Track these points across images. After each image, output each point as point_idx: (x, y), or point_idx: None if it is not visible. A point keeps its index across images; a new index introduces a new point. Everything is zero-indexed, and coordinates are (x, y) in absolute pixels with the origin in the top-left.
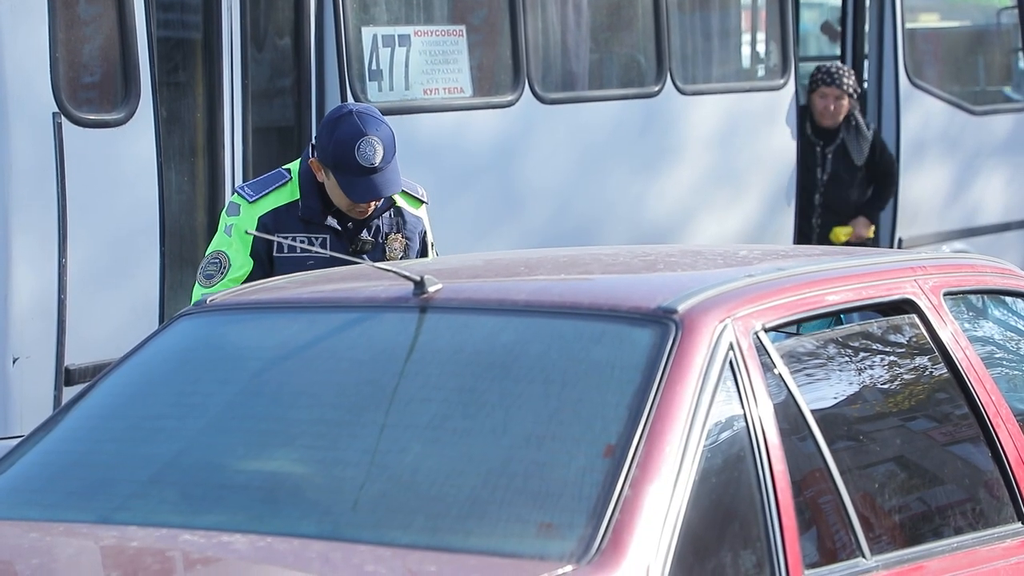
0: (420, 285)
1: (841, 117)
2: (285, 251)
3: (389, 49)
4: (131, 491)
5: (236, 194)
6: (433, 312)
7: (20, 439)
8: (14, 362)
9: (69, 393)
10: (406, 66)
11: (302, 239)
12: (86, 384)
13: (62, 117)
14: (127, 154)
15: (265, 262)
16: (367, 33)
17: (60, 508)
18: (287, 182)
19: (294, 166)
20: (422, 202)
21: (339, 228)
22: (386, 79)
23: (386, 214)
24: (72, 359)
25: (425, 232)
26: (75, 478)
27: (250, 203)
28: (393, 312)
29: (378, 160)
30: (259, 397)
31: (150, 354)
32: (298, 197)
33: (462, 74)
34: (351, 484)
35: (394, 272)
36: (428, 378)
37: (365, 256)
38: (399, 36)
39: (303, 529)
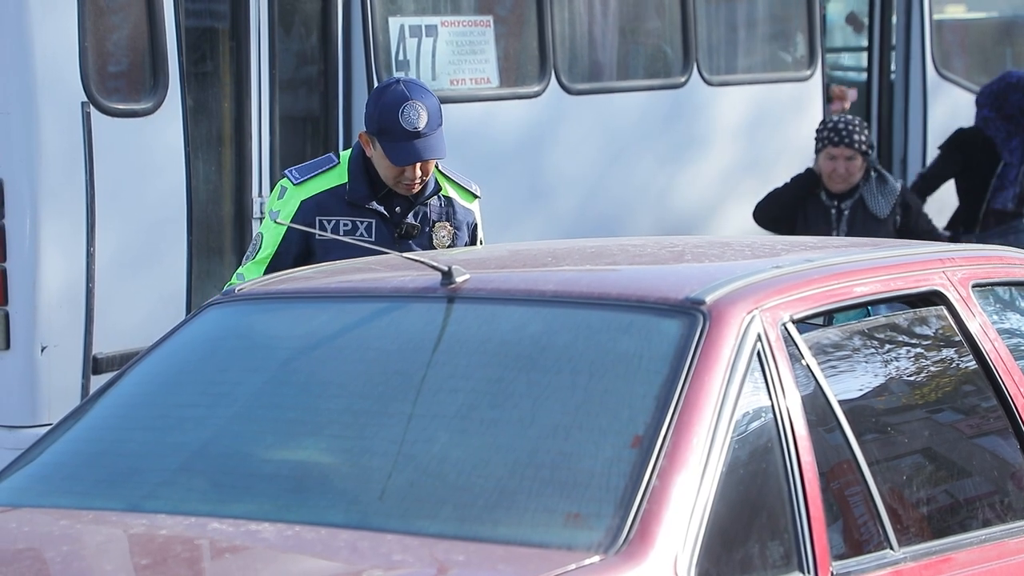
0: (448, 275)
1: (855, 180)
2: (328, 234)
3: (416, 39)
4: (160, 479)
5: (284, 177)
6: (461, 302)
7: (48, 427)
8: (42, 350)
9: (97, 382)
10: (433, 56)
11: (347, 223)
12: (114, 373)
13: (91, 107)
14: (155, 143)
15: (298, 243)
16: (394, 23)
17: (89, 496)
18: (335, 166)
19: (345, 153)
20: (475, 196)
21: (385, 213)
22: (413, 69)
23: (435, 201)
24: (100, 348)
25: (476, 226)
26: (104, 466)
27: (295, 185)
28: (421, 302)
29: (422, 125)
30: (287, 386)
31: (178, 343)
32: (346, 180)
33: (489, 65)
34: (379, 473)
35: (422, 262)
36: (456, 368)
37: (411, 242)
38: (426, 26)
39: (331, 518)
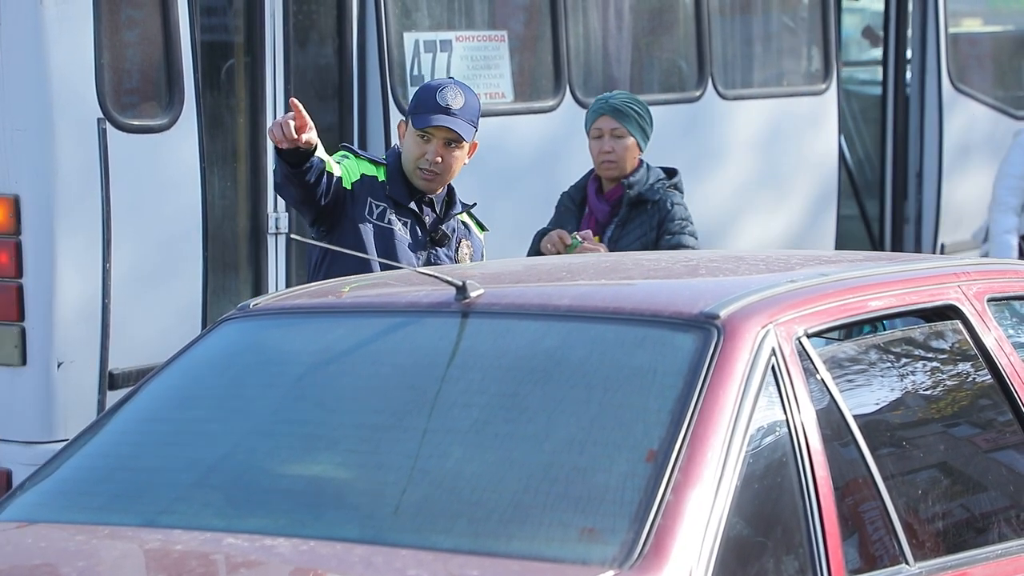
0: (462, 290)
1: None
2: (373, 217)
3: (431, 54)
4: (175, 495)
5: (340, 150)
6: (475, 317)
7: (65, 443)
8: (58, 366)
9: (113, 397)
10: (448, 71)
11: (391, 213)
12: (130, 388)
13: (107, 123)
14: (171, 159)
15: (343, 201)
16: (409, 38)
17: (104, 511)
18: (383, 163)
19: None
20: (485, 229)
21: (422, 217)
22: None
23: (456, 223)
24: (116, 363)
25: (483, 256)
26: (119, 481)
27: (356, 157)
28: (435, 317)
29: (456, 106)
30: (302, 401)
31: (194, 358)
32: (385, 180)
33: (503, 79)
34: (393, 488)
35: (436, 277)
36: (470, 383)
37: (441, 251)
38: (441, 41)
39: (346, 533)
